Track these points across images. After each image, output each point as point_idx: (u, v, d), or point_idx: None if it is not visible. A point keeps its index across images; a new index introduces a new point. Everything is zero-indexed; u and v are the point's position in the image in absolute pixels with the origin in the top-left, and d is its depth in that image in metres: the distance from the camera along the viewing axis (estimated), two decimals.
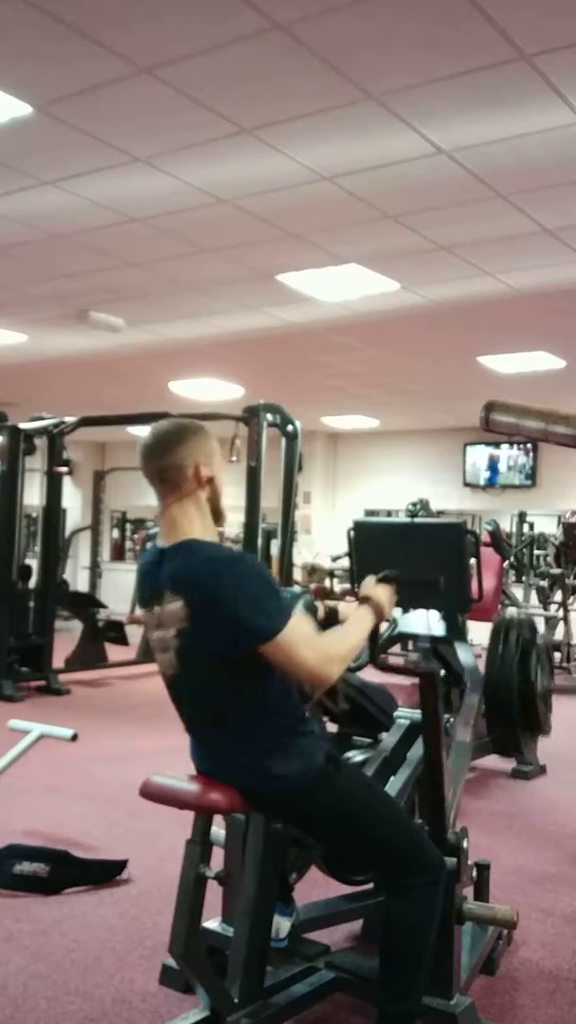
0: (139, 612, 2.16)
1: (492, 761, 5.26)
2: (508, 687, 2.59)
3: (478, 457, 11.69)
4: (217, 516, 2.14)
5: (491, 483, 11.65)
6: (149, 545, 2.14)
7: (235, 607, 1.92)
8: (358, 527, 3.11)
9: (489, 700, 2.60)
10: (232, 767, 2.08)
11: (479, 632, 8.34)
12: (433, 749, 2.40)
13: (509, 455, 11.49)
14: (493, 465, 11.64)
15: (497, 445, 11.44)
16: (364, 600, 2.20)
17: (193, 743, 2.19)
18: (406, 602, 3.12)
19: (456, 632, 3.10)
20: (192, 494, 2.08)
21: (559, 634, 9.78)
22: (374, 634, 2.26)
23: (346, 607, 2.54)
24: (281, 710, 2.07)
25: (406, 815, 2.36)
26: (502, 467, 11.56)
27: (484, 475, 11.68)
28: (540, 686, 2.68)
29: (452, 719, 3.06)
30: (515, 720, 2.60)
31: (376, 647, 2.32)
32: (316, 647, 1.97)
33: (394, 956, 2.15)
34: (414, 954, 2.14)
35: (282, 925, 2.44)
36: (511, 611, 2.81)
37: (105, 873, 3.46)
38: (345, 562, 10.21)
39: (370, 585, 2.24)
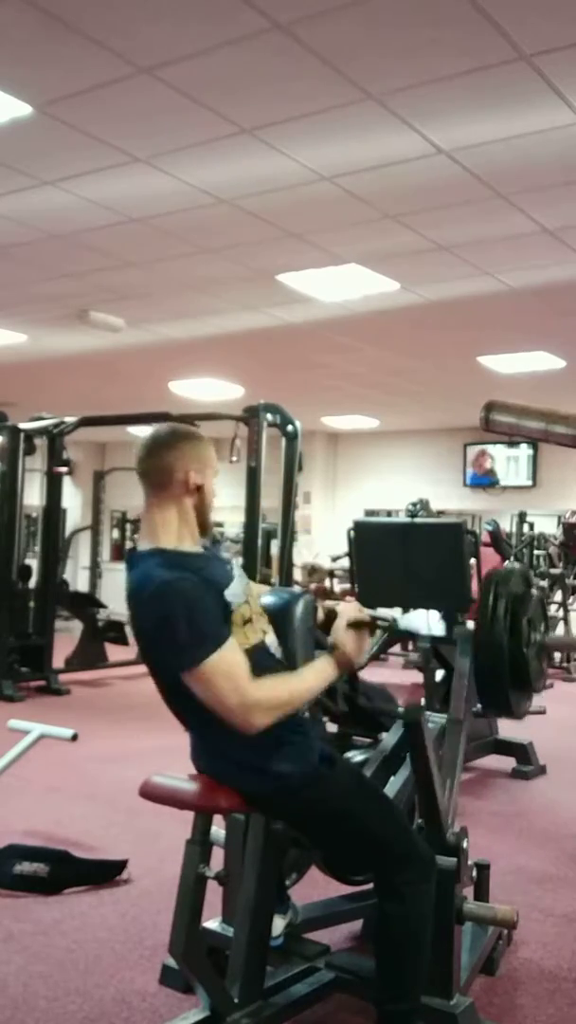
0: None
1: (492, 761, 5.27)
2: (498, 645, 2.53)
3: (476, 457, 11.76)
4: (203, 527, 2.12)
5: (486, 483, 11.67)
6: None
7: (156, 633, 1.94)
8: (358, 527, 3.12)
9: (478, 659, 2.56)
10: (229, 767, 2.08)
11: None
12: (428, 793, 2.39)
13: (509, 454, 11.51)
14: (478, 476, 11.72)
15: (494, 444, 11.44)
16: (331, 648, 2.09)
17: (192, 742, 2.19)
18: (407, 602, 3.13)
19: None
20: (177, 499, 2.07)
21: (559, 634, 9.79)
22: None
23: (346, 607, 2.54)
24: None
25: (400, 811, 2.35)
26: (499, 469, 11.59)
27: (470, 473, 11.74)
28: (532, 641, 2.60)
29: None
30: (504, 678, 2.52)
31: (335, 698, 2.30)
32: (241, 689, 1.88)
33: (391, 956, 2.15)
34: (411, 953, 2.14)
35: (276, 924, 2.43)
36: (505, 565, 2.69)
37: (105, 873, 3.46)
38: (345, 562, 10.20)
39: (340, 630, 2.11)
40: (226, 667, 1.89)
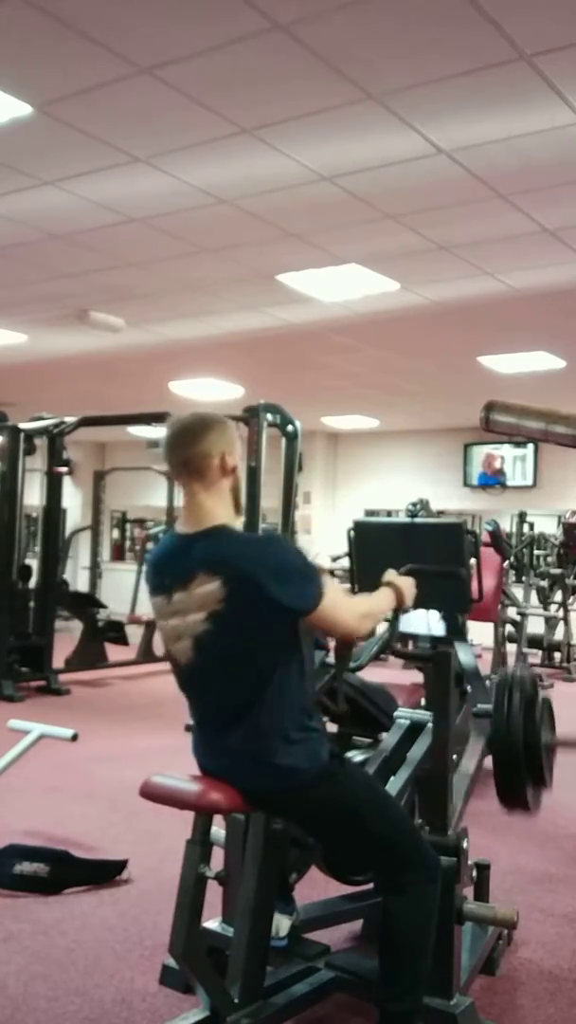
0: (153, 600, 2.13)
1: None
2: (514, 743, 2.66)
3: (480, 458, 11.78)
4: (237, 507, 2.17)
5: (495, 483, 11.67)
6: (160, 537, 2.15)
7: (279, 583, 1.97)
8: (358, 527, 3.11)
9: (496, 756, 2.67)
10: (238, 761, 2.07)
11: (479, 632, 8.42)
12: (439, 736, 2.47)
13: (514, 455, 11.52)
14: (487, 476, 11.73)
15: (498, 445, 11.44)
16: (386, 584, 2.28)
17: (198, 737, 2.18)
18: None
19: (456, 632, 3.10)
20: (217, 483, 2.11)
21: (559, 634, 9.79)
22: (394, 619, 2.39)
23: None
24: (292, 704, 2.07)
25: (405, 813, 2.36)
26: (507, 469, 11.60)
27: (479, 473, 11.74)
28: (544, 741, 2.74)
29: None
30: (522, 776, 2.65)
31: (395, 632, 2.43)
32: (351, 607, 2.11)
33: (393, 956, 2.15)
34: (413, 953, 2.14)
35: (282, 924, 2.43)
36: (512, 668, 2.85)
37: (105, 873, 3.46)
38: (345, 562, 10.19)
39: (391, 574, 2.32)
40: (335, 594, 2.06)
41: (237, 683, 2.06)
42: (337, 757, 2.16)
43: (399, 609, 2.33)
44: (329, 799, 2.10)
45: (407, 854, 2.16)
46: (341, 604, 2.08)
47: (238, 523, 2.15)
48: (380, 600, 2.25)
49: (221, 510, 2.11)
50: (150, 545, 12.98)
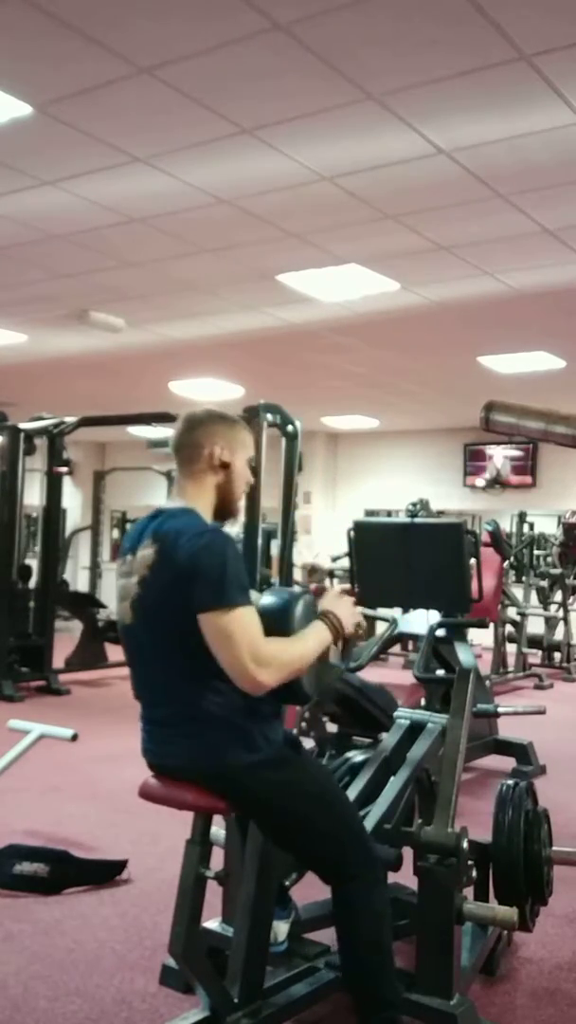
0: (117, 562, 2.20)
1: (492, 761, 5.27)
2: (515, 856, 2.67)
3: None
4: (227, 509, 2.17)
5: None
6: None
7: (192, 576, 1.93)
8: (358, 527, 3.11)
9: (496, 870, 2.71)
10: (181, 745, 2.06)
11: (479, 632, 8.43)
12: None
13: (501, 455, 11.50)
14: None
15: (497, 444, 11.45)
16: (322, 615, 2.14)
17: (143, 721, 2.19)
18: (407, 602, 3.13)
19: (456, 632, 3.10)
20: (202, 474, 2.13)
21: (559, 634, 9.79)
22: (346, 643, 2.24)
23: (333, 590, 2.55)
24: (227, 691, 1.98)
25: (355, 813, 2.30)
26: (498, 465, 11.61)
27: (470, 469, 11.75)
28: (544, 854, 2.76)
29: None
30: (522, 892, 2.66)
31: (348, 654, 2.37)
32: (253, 643, 1.91)
33: (358, 969, 2.12)
34: (376, 961, 2.11)
35: (279, 930, 2.42)
36: (511, 781, 2.82)
37: (105, 873, 3.46)
38: (345, 562, 10.21)
39: (331, 598, 2.22)
40: (249, 621, 1.94)
41: (166, 657, 2.05)
42: (293, 745, 2.15)
43: (343, 641, 2.18)
44: (280, 784, 2.04)
45: (351, 851, 2.10)
46: (243, 632, 1.90)
47: (229, 525, 2.17)
48: (310, 643, 2.05)
49: (199, 501, 2.13)
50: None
